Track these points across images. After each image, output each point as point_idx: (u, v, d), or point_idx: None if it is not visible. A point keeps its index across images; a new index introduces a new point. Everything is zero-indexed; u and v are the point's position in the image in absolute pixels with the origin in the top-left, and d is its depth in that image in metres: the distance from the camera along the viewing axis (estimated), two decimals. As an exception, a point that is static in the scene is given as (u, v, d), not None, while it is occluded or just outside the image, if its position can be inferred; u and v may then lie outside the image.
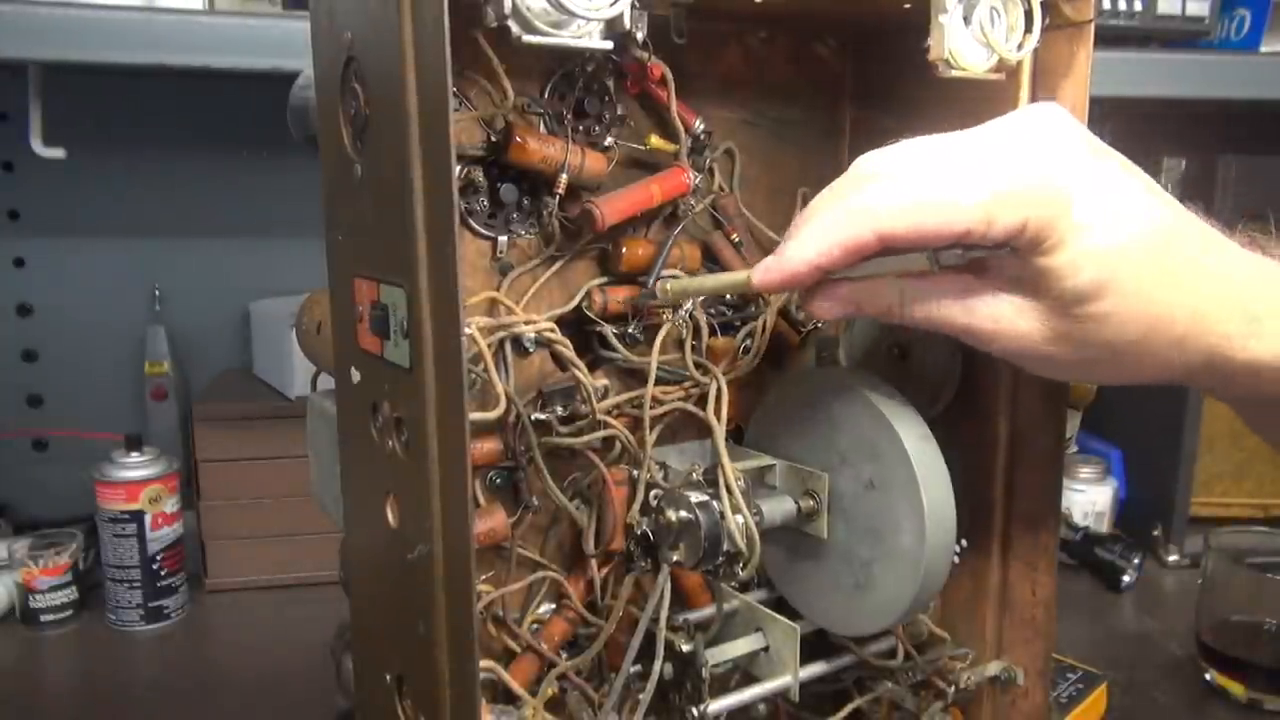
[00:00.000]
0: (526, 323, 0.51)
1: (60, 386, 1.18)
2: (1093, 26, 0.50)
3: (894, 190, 0.40)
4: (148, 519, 0.94)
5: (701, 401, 0.55)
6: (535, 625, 0.55)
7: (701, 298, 0.57)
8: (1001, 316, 0.42)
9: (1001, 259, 0.41)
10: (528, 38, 0.41)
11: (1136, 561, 1.05)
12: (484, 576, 0.54)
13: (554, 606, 0.56)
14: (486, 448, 0.52)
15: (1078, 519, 1.11)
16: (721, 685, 0.53)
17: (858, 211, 0.40)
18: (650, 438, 0.54)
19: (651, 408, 0.54)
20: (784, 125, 0.61)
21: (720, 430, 0.52)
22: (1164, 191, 0.42)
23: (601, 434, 0.53)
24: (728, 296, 0.59)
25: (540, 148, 0.50)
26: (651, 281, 0.52)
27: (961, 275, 0.43)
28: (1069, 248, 0.39)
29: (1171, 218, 0.41)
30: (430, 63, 0.38)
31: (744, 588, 0.55)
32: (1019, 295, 0.41)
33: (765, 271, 0.43)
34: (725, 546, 0.48)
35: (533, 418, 0.51)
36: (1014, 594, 0.58)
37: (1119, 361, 0.42)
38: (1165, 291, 0.40)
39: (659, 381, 0.55)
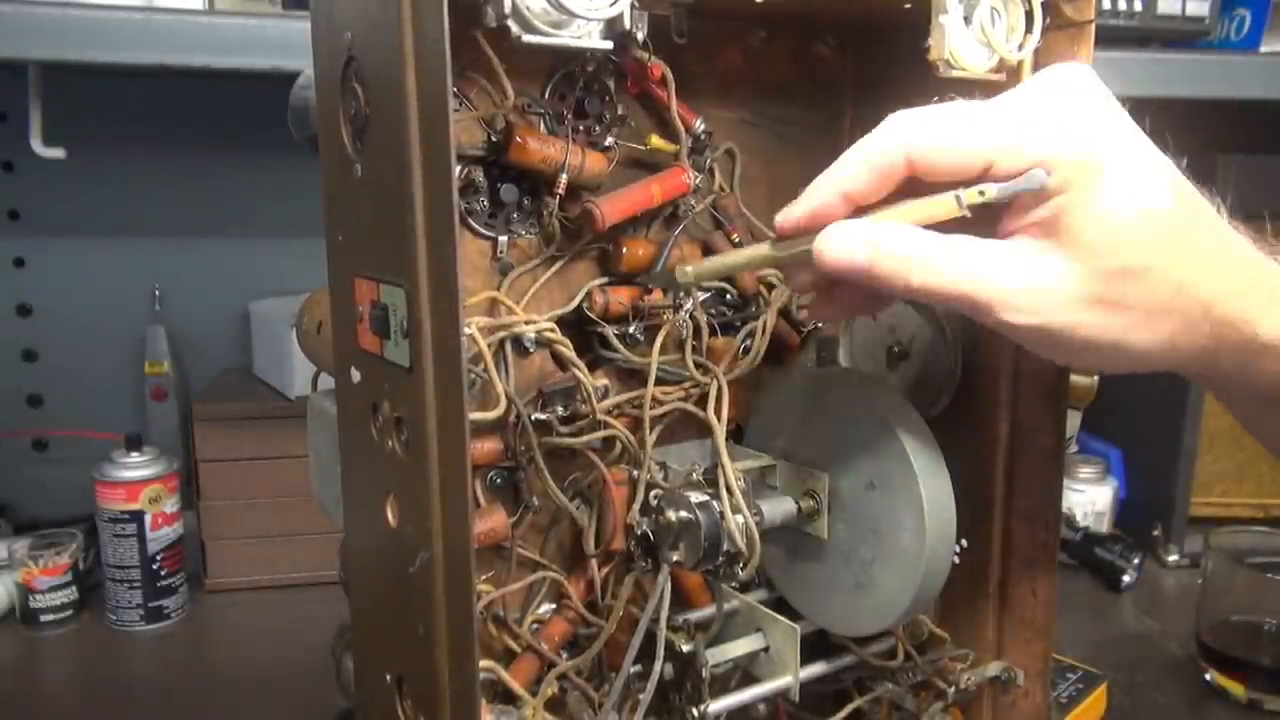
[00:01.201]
0: (527, 323, 0.51)
1: (60, 386, 1.18)
2: (1093, 27, 0.50)
3: (923, 116, 0.40)
4: (148, 519, 0.94)
5: (702, 401, 0.55)
6: (535, 625, 0.55)
7: (703, 297, 0.57)
8: (1029, 271, 0.39)
9: (1028, 208, 0.40)
10: (528, 38, 0.41)
11: (1136, 561, 1.05)
12: (484, 576, 0.54)
13: (554, 606, 0.56)
14: (487, 447, 0.52)
15: (1078, 519, 1.11)
16: (721, 685, 0.53)
17: (885, 132, 0.40)
18: (650, 438, 0.54)
19: (651, 408, 0.54)
20: (784, 125, 0.61)
21: (720, 430, 0.52)
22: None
23: (602, 434, 0.53)
24: (728, 296, 0.59)
25: (540, 148, 0.50)
26: (660, 266, 0.51)
27: (986, 230, 0.41)
28: (1099, 197, 0.38)
29: (1191, 190, 0.41)
30: (430, 63, 0.38)
31: (744, 588, 0.55)
32: (1048, 241, 0.39)
33: (790, 209, 0.42)
34: (725, 547, 0.48)
35: (533, 418, 0.51)
36: (1014, 594, 0.58)
37: (1149, 326, 0.40)
38: (1191, 254, 0.40)
39: (659, 381, 0.55)
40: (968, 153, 0.39)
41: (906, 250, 0.40)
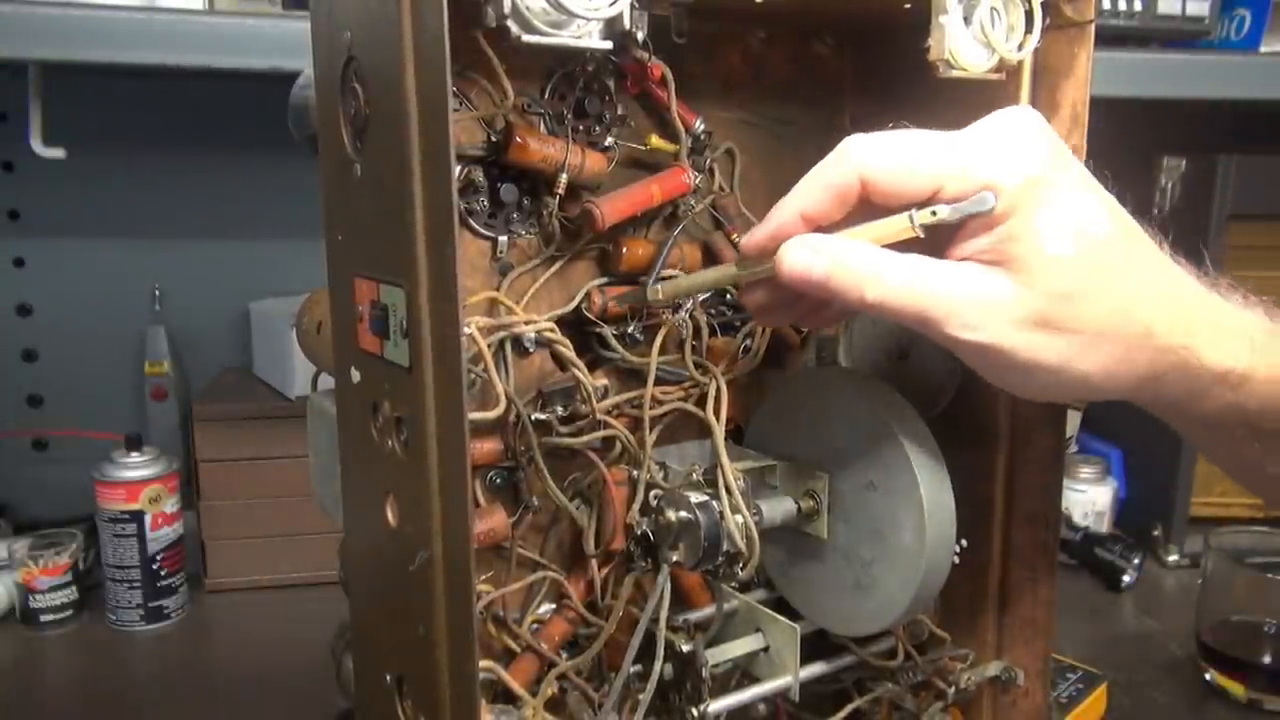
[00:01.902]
0: (526, 323, 0.51)
1: (60, 386, 1.18)
2: (1093, 27, 0.50)
3: (877, 141, 0.42)
4: (148, 519, 0.94)
5: (701, 402, 0.55)
6: (535, 625, 0.55)
7: (703, 297, 0.57)
8: (978, 289, 0.41)
9: (974, 234, 0.41)
10: (528, 38, 0.41)
11: (1136, 561, 1.05)
12: (484, 576, 0.54)
13: (554, 606, 0.56)
14: (486, 448, 0.52)
15: (1078, 519, 1.11)
16: (721, 685, 0.53)
17: (841, 155, 0.42)
18: (650, 438, 0.54)
19: (651, 408, 0.54)
20: (784, 125, 0.61)
21: (720, 430, 0.52)
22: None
23: (601, 434, 0.53)
24: (728, 296, 0.59)
25: (540, 148, 0.50)
26: (651, 282, 0.52)
27: (936, 251, 0.42)
28: (1042, 222, 0.40)
29: (1131, 221, 0.43)
30: (430, 63, 0.38)
31: (744, 588, 0.55)
32: (993, 267, 0.41)
33: (753, 231, 0.44)
34: (725, 546, 0.48)
35: (533, 418, 0.51)
36: (1014, 594, 0.58)
37: (1091, 350, 0.41)
38: (1128, 279, 0.41)
39: (659, 382, 0.55)
40: (918, 176, 0.41)
41: (862, 265, 0.41)
